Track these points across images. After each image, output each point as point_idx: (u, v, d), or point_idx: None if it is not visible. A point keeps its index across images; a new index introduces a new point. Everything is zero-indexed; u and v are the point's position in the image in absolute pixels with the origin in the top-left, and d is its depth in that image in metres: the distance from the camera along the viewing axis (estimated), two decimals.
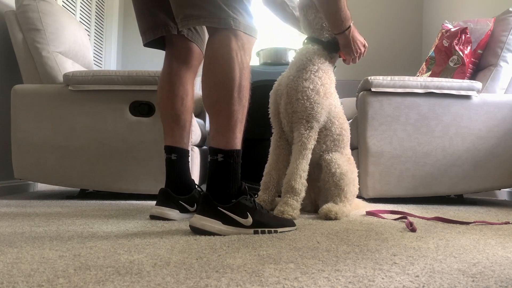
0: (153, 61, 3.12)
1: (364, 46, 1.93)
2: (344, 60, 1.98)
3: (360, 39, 1.90)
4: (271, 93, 2.02)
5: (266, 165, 1.99)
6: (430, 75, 2.78)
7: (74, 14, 3.70)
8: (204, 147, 3.02)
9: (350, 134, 2.04)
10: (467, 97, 2.51)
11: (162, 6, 1.60)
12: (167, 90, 1.72)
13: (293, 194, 1.78)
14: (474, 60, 2.72)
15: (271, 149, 2.01)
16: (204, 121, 3.23)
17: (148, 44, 1.75)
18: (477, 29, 2.72)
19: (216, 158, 1.34)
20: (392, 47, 4.53)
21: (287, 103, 1.90)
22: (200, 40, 1.76)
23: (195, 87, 1.83)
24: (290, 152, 1.90)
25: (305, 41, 1.99)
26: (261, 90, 2.14)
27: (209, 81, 1.37)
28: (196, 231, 1.32)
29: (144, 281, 0.83)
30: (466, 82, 2.52)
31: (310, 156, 1.86)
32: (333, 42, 1.93)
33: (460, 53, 2.66)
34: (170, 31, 1.69)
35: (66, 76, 2.42)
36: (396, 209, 2.01)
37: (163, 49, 1.77)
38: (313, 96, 1.84)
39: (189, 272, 0.89)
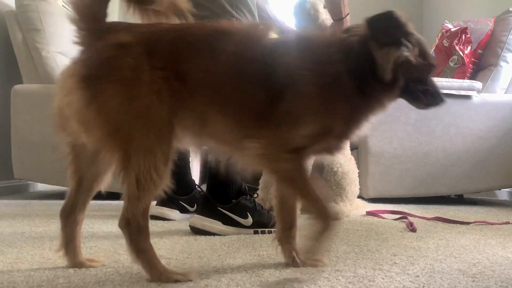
0: None
1: None
2: None
3: None
4: None
5: None
6: None
7: None
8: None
9: None
10: (467, 97, 2.51)
11: None
12: None
13: None
14: (474, 60, 2.71)
15: None
16: None
17: None
18: (477, 29, 2.72)
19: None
20: None
21: None
22: None
23: None
24: None
25: None
26: None
27: None
28: (196, 231, 1.33)
29: (144, 281, 0.83)
30: (466, 82, 2.52)
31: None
32: None
33: (460, 53, 2.66)
34: None
35: None
36: (396, 209, 2.01)
37: None
38: None
39: None
